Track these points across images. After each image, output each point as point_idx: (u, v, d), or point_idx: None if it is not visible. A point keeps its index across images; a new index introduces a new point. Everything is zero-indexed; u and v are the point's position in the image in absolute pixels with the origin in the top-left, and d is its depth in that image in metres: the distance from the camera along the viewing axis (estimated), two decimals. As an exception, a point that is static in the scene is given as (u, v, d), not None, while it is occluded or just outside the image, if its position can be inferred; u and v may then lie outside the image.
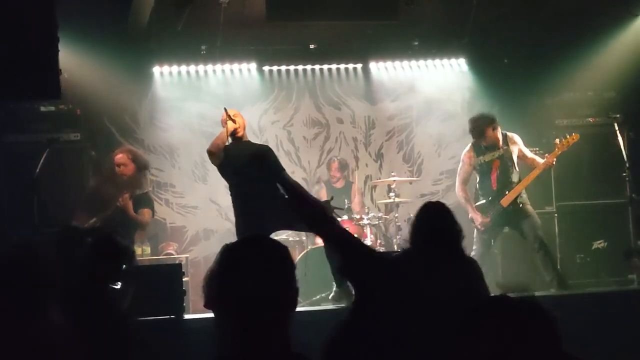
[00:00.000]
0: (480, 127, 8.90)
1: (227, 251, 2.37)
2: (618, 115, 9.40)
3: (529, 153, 9.04)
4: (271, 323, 2.29)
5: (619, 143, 9.11)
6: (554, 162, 8.83)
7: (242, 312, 2.27)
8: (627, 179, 9.17)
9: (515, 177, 8.91)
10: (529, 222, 8.75)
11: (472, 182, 9.28)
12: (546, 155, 8.96)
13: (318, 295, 8.95)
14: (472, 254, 8.96)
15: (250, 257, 2.33)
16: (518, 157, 8.98)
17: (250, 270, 2.29)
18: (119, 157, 8.85)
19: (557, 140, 8.91)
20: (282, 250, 2.39)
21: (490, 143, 8.93)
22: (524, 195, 8.87)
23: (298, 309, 7.37)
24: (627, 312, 7.12)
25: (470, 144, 9.14)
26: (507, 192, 8.80)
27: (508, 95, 10.86)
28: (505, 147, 8.93)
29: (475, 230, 9.03)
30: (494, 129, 8.87)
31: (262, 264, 2.31)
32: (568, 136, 8.87)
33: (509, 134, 9.03)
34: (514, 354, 2.08)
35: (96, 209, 8.63)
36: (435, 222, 4.97)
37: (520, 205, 8.78)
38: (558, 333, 2.16)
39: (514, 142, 9.01)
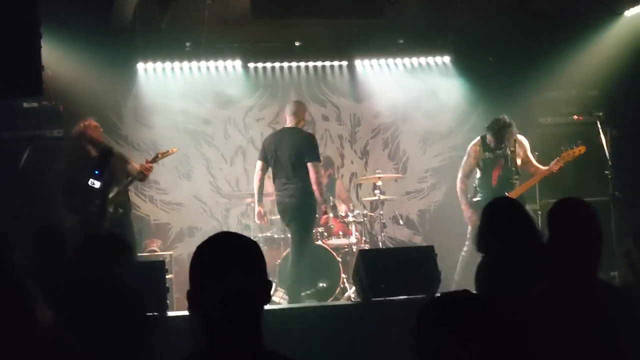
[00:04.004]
0: (504, 133, 8.91)
1: (198, 248, 2.37)
2: (601, 114, 9.44)
3: (533, 160, 9.06)
4: (243, 317, 2.29)
5: (601, 141, 9.15)
6: (558, 170, 8.86)
7: (215, 307, 2.27)
8: (609, 176, 9.21)
9: (516, 179, 8.96)
10: None
11: (472, 178, 9.31)
12: (553, 162, 8.95)
13: (303, 293, 8.94)
14: (465, 249, 9.02)
15: (220, 253, 2.33)
16: (522, 161, 9.02)
17: (220, 266, 2.29)
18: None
19: (563, 149, 8.91)
20: (252, 245, 2.39)
21: (493, 145, 8.97)
22: (522, 197, 8.91)
23: (283, 306, 7.43)
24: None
25: (479, 137, 9.20)
26: (506, 192, 8.82)
27: (492, 94, 10.89)
28: (512, 149, 8.96)
29: (469, 227, 9.08)
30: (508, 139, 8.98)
31: (232, 259, 2.31)
32: (575, 147, 8.88)
33: (518, 136, 9.06)
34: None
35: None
36: (513, 215, 5.00)
37: None
38: (522, 332, 2.16)
39: (522, 146, 9.05)
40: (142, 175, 8.42)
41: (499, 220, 4.99)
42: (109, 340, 4.64)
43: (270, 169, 8.73)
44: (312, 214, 8.64)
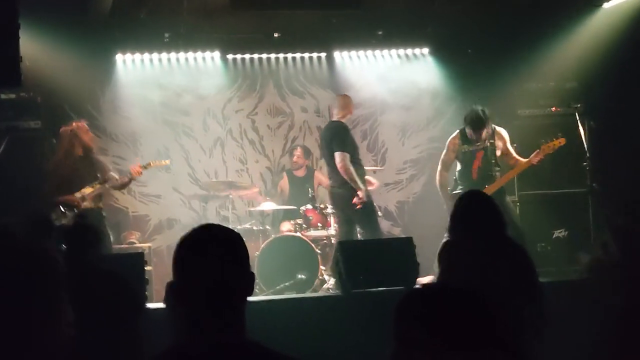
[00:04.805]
0: (480, 124, 8.92)
1: (182, 240, 2.37)
2: (579, 105, 9.48)
3: (513, 152, 9.06)
4: (227, 309, 2.29)
5: (579, 133, 9.20)
6: (538, 163, 8.89)
7: (198, 299, 2.27)
8: (587, 168, 9.26)
9: (496, 172, 8.96)
10: (509, 215, 8.78)
11: (452, 171, 9.32)
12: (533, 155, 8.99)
13: (281, 284, 8.95)
14: (444, 241, 9.02)
15: (204, 245, 2.33)
16: (502, 152, 9.03)
17: (204, 258, 2.30)
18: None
19: (543, 141, 8.94)
20: (235, 237, 2.39)
21: (474, 138, 8.97)
22: (503, 189, 8.93)
23: (262, 298, 7.43)
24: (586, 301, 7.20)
25: (457, 131, 9.17)
26: (486, 185, 8.84)
27: (471, 85, 10.91)
28: (491, 141, 8.96)
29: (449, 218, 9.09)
30: (487, 129, 8.96)
31: (216, 251, 2.31)
32: (555, 139, 8.90)
33: (497, 128, 9.06)
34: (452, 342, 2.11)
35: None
36: (482, 207, 5.35)
37: (500, 198, 8.83)
38: (495, 322, 2.19)
39: (501, 137, 9.04)
40: (128, 180, 9.03)
41: (471, 211, 5.36)
42: (100, 327, 4.68)
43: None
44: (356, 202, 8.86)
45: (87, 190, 8.63)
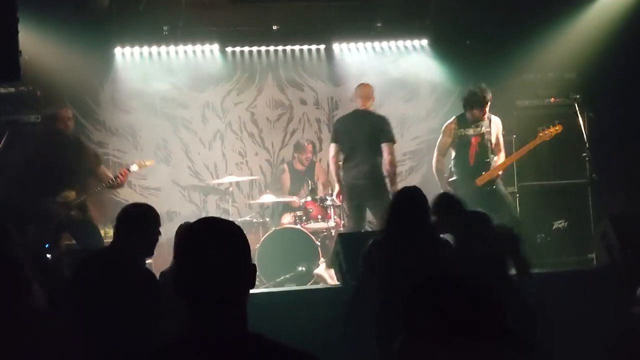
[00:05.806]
0: (482, 98, 8.91)
1: (183, 231, 2.37)
2: (578, 96, 9.48)
3: (502, 144, 9.07)
4: (228, 302, 2.30)
5: (579, 124, 9.20)
6: (533, 147, 8.92)
7: (201, 291, 2.28)
8: (587, 159, 9.26)
9: (492, 158, 8.96)
10: (504, 203, 8.81)
11: (448, 159, 9.31)
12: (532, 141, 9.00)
13: (282, 277, 8.97)
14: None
15: (205, 236, 2.34)
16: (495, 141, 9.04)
17: (207, 250, 2.30)
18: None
19: (540, 129, 8.95)
20: (235, 229, 2.39)
21: (478, 118, 8.94)
22: (499, 176, 8.93)
23: (262, 290, 7.43)
24: (585, 291, 7.24)
25: (454, 117, 9.18)
26: (483, 172, 8.83)
27: (470, 76, 10.88)
28: (488, 129, 8.96)
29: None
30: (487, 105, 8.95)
31: (216, 244, 2.31)
32: (552, 127, 8.92)
33: (493, 116, 9.06)
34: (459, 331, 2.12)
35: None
36: (408, 205, 5.59)
37: (494, 186, 8.83)
38: (503, 311, 2.20)
39: (496, 126, 9.05)
40: (115, 183, 8.82)
41: (395, 210, 5.66)
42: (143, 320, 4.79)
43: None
44: (388, 194, 8.76)
45: (71, 195, 8.55)
